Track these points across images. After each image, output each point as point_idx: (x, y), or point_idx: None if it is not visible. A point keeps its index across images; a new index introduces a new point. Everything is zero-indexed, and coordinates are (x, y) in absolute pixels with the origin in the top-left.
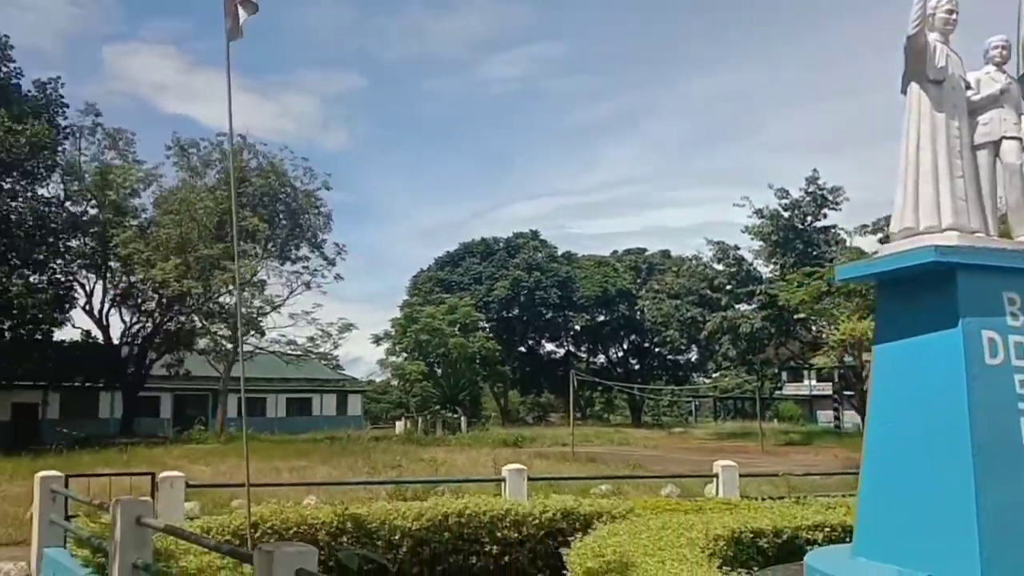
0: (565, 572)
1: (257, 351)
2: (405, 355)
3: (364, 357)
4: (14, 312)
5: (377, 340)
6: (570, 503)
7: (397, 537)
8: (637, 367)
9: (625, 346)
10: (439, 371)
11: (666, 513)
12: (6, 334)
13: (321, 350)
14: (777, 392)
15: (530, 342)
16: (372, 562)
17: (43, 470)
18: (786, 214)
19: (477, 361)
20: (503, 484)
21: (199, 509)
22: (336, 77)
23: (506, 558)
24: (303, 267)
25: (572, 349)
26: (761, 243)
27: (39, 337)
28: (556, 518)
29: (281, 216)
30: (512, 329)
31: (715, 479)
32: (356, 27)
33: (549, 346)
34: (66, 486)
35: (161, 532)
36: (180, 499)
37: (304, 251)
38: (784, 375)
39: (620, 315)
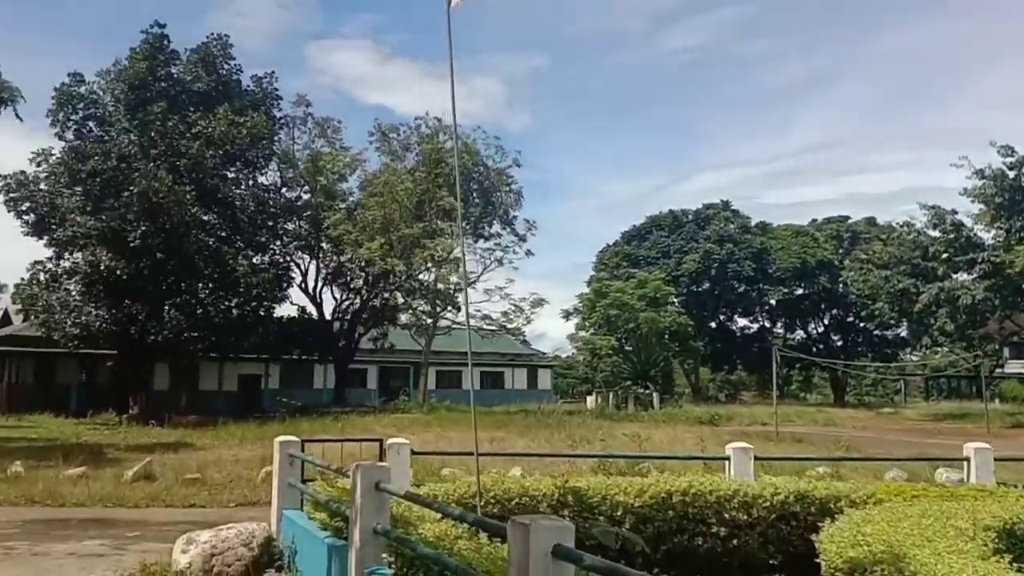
0: (818, 560)
1: (454, 326)
2: (594, 330)
3: (548, 333)
4: (241, 290)
5: (567, 315)
6: (803, 485)
7: (619, 513)
8: (839, 343)
9: (826, 321)
10: (629, 346)
11: (918, 500)
12: (233, 311)
13: (514, 325)
14: (998, 370)
15: (721, 317)
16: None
17: (269, 436)
18: (1011, 173)
19: (667, 336)
20: (727, 463)
21: (412, 476)
22: (520, 58)
23: (734, 541)
24: (495, 244)
25: (767, 324)
26: (983, 206)
27: (262, 313)
28: (789, 501)
29: (474, 194)
30: (703, 304)
31: (966, 463)
32: (540, 3)
33: (742, 321)
34: (302, 451)
35: (399, 498)
36: (406, 465)
37: (496, 228)
38: (1006, 351)
39: (820, 288)
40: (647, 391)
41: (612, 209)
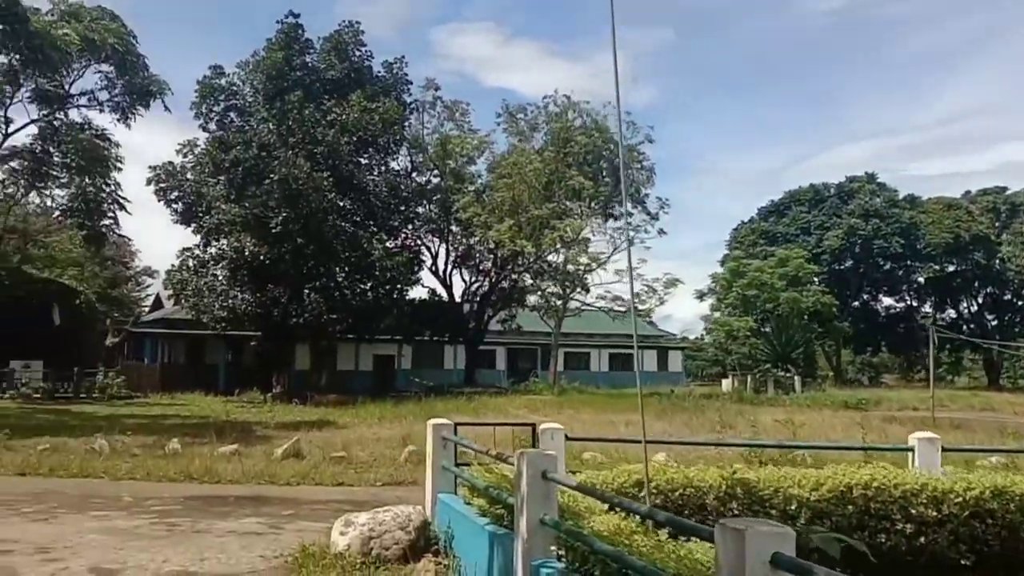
0: None
1: (584, 307)
2: (729, 311)
3: (675, 314)
4: (376, 274)
5: (700, 296)
6: (1000, 480)
7: (793, 507)
8: (994, 323)
9: (980, 299)
10: (768, 327)
11: None
12: (368, 294)
13: (647, 306)
14: None
15: (865, 296)
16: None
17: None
18: None
19: (806, 316)
20: (911, 455)
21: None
22: (644, 32)
23: (921, 539)
24: (625, 223)
25: (914, 304)
26: None
27: (395, 296)
28: (984, 497)
29: (604, 173)
30: (845, 282)
31: None
32: None
33: (887, 300)
34: (455, 434)
35: (571, 489)
36: (561, 451)
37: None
38: None
39: (975, 264)
40: (787, 374)
41: (743, 185)
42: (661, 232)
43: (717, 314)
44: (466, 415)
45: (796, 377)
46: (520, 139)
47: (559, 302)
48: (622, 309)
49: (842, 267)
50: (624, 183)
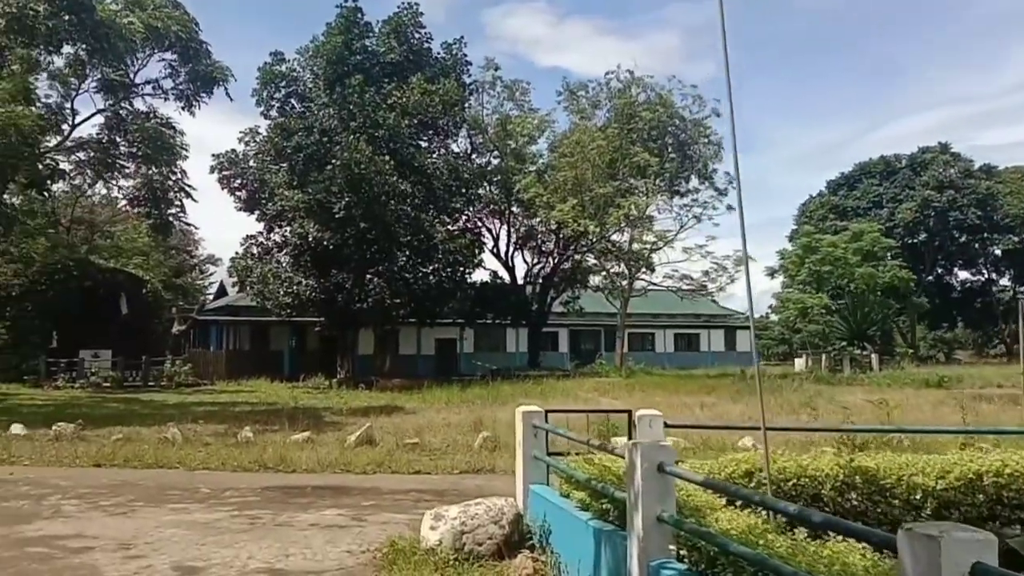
0: None
1: (650, 287)
2: (801, 288)
3: (738, 292)
4: (438, 257)
5: (771, 273)
6: None
7: (918, 497)
8: None
9: None
10: (842, 304)
11: None
12: (431, 277)
13: (716, 284)
14: None
15: (939, 270)
16: None
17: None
18: None
19: (882, 292)
20: None
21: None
22: (698, 8)
23: None
24: (692, 200)
25: (992, 277)
26: None
27: (458, 279)
28: None
29: (670, 149)
30: (918, 256)
31: None
32: None
33: (963, 274)
34: (546, 421)
35: (696, 484)
36: (660, 439)
37: (694, 183)
38: None
39: None
40: (864, 352)
41: (807, 159)
42: (730, 208)
43: (789, 291)
44: (534, 399)
45: (873, 355)
46: (582, 117)
47: (624, 282)
48: (691, 288)
49: (916, 240)
50: (737, 173)
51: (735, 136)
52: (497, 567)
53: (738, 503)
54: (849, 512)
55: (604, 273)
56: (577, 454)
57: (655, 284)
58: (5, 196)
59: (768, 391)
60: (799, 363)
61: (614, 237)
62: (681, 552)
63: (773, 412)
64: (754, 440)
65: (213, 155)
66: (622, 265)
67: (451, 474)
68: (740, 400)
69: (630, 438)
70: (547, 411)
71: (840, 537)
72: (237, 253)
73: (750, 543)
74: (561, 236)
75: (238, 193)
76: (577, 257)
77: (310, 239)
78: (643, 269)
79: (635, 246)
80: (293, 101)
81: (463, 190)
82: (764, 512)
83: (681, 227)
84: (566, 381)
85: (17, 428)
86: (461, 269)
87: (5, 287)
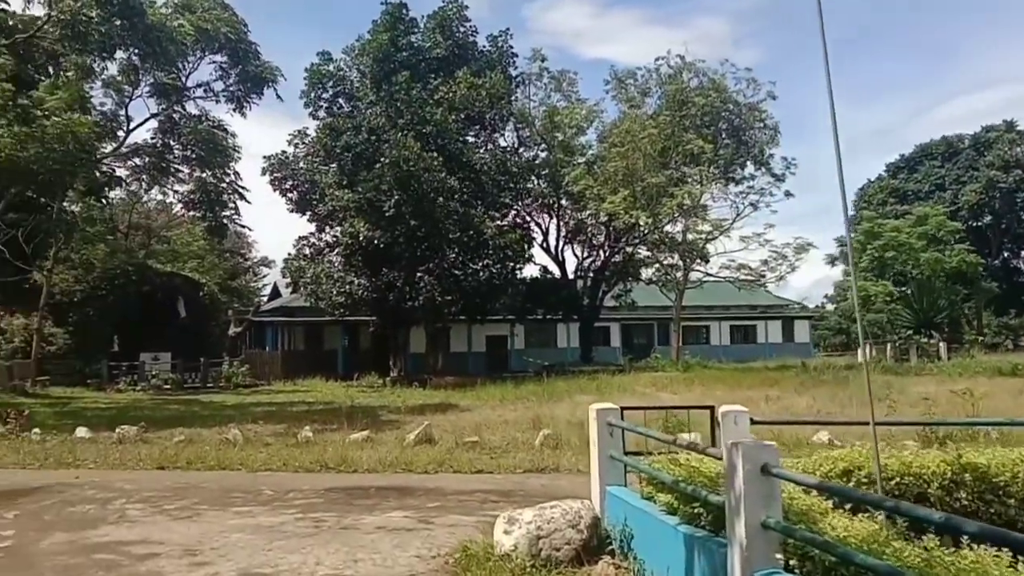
0: None
1: (705, 278)
2: (863, 275)
3: (792, 281)
4: (489, 253)
5: (832, 261)
6: None
7: None
8: None
9: None
10: (907, 291)
11: None
12: (481, 274)
13: (776, 273)
14: None
15: (1006, 254)
16: None
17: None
18: None
19: (945, 277)
20: None
21: (699, 438)
22: None
23: None
24: (748, 187)
25: None
26: None
27: (508, 275)
28: None
29: (724, 135)
30: (984, 239)
31: None
32: None
33: None
34: (621, 418)
35: (807, 487)
36: (746, 437)
37: (749, 169)
38: None
39: None
40: (931, 340)
41: (856, 143)
42: (788, 194)
43: (849, 278)
44: (589, 395)
45: (941, 343)
46: (631, 105)
47: (679, 274)
48: (749, 278)
49: (980, 223)
50: (840, 175)
51: (835, 125)
52: (576, 574)
53: (847, 506)
54: (959, 513)
55: (657, 265)
56: (653, 453)
57: (711, 275)
58: (65, 204)
59: (834, 382)
60: (861, 353)
61: (667, 228)
62: (791, 562)
63: (842, 404)
64: (830, 435)
65: (264, 157)
66: (676, 256)
67: (514, 473)
68: (805, 392)
69: (713, 436)
70: (622, 408)
71: (967, 542)
72: (290, 254)
73: (875, 552)
74: (612, 228)
75: (289, 195)
76: (629, 249)
77: (361, 238)
78: (698, 260)
79: (689, 236)
80: (341, 101)
81: (511, 184)
82: (879, 516)
83: (737, 215)
84: (621, 376)
85: (82, 431)
86: (511, 265)
87: (68, 293)
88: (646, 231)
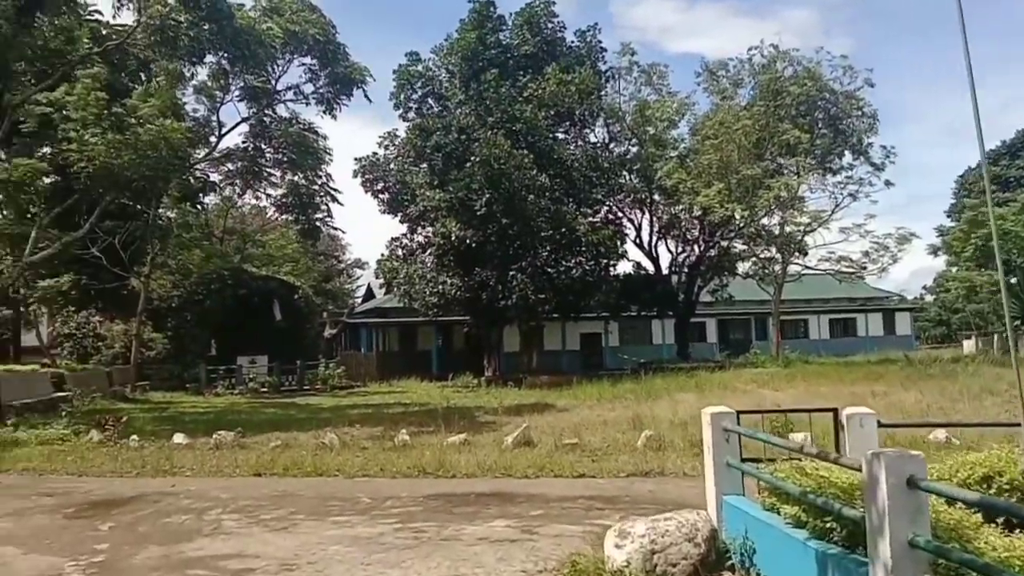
0: None
1: (804, 271)
2: (967, 265)
3: (893, 274)
4: (582, 250)
5: (934, 251)
6: None
7: None
8: None
9: None
10: (1015, 279)
11: None
12: (574, 271)
13: (878, 265)
14: None
15: None
16: None
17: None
18: None
19: None
20: None
21: (809, 439)
22: None
23: None
24: (846, 177)
25: None
26: None
27: (602, 272)
28: None
29: (820, 124)
30: None
31: None
32: None
33: None
34: (737, 423)
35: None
36: (873, 441)
37: (847, 159)
38: None
39: None
40: None
41: (948, 132)
42: (888, 184)
43: (955, 270)
44: (690, 392)
45: None
46: (723, 97)
47: (777, 267)
48: (850, 270)
49: None
50: (985, 167)
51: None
52: None
53: (999, 520)
54: None
55: (754, 259)
56: (769, 460)
57: (810, 268)
58: (160, 210)
59: (942, 376)
60: (967, 345)
61: (764, 220)
62: None
63: (952, 399)
64: (948, 434)
65: (355, 159)
66: (773, 249)
67: (618, 477)
68: (911, 387)
69: (837, 441)
70: (738, 412)
71: None
72: (383, 255)
73: None
74: (707, 222)
75: (381, 196)
76: (724, 243)
77: (452, 238)
78: (796, 253)
79: (787, 229)
80: (430, 101)
81: (603, 180)
82: None
83: (836, 206)
84: (720, 373)
85: (179, 437)
86: (604, 261)
87: (165, 299)
88: (742, 224)
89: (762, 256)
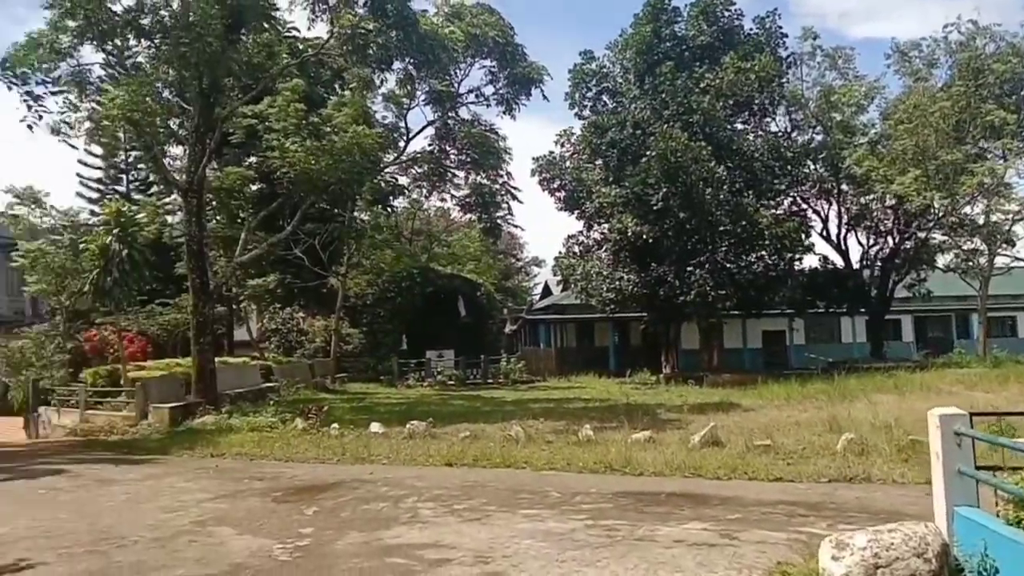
0: None
1: (1014, 263)
2: None
3: None
4: (764, 244)
5: None
6: None
7: None
8: None
9: None
10: None
11: None
12: (756, 266)
13: None
14: None
15: None
16: None
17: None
18: None
19: None
20: None
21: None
22: None
23: None
24: None
25: None
26: None
27: (786, 266)
28: None
29: None
30: None
31: None
32: None
33: None
34: (971, 426)
35: None
36: None
37: None
38: None
39: None
40: None
41: None
42: None
43: None
44: (889, 394)
45: None
46: (916, 79)
47: (982, 260)
48: None
49: None
50: None
51: None
52: None
53: None
54: None
55: (956, 251)
56: (1014, 470)
57: (1020, 260)
58: (355, 213)
59: None
60: None
61: (966, 209)
62: None
63: None
64: None
65: (533, 159)
66: (977, 240)
67: (818, 483)
68: None
69: None
70: (971, 414)
71: None
72: (560, 253)
73: None
74: (901, 212)
75: (557, 194)
76: (922, 235)
77: (629, 234)
78: (1002, 244)
79: (992, 218)
80: (604, 98)
81: (786, 170)
82: None
83: None
84: (921, 374)
85: (375, 426)
86: (788, 255)
87: (360, 296)
88: (941, 213)
89: (965, 248)
